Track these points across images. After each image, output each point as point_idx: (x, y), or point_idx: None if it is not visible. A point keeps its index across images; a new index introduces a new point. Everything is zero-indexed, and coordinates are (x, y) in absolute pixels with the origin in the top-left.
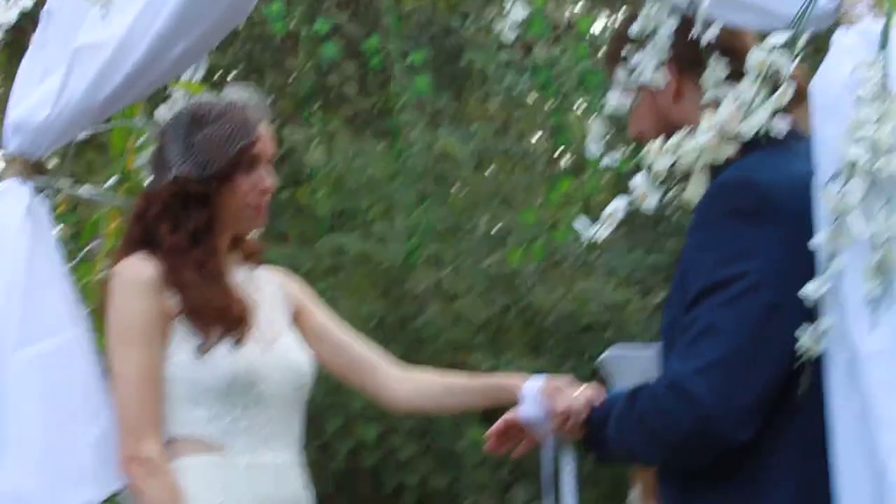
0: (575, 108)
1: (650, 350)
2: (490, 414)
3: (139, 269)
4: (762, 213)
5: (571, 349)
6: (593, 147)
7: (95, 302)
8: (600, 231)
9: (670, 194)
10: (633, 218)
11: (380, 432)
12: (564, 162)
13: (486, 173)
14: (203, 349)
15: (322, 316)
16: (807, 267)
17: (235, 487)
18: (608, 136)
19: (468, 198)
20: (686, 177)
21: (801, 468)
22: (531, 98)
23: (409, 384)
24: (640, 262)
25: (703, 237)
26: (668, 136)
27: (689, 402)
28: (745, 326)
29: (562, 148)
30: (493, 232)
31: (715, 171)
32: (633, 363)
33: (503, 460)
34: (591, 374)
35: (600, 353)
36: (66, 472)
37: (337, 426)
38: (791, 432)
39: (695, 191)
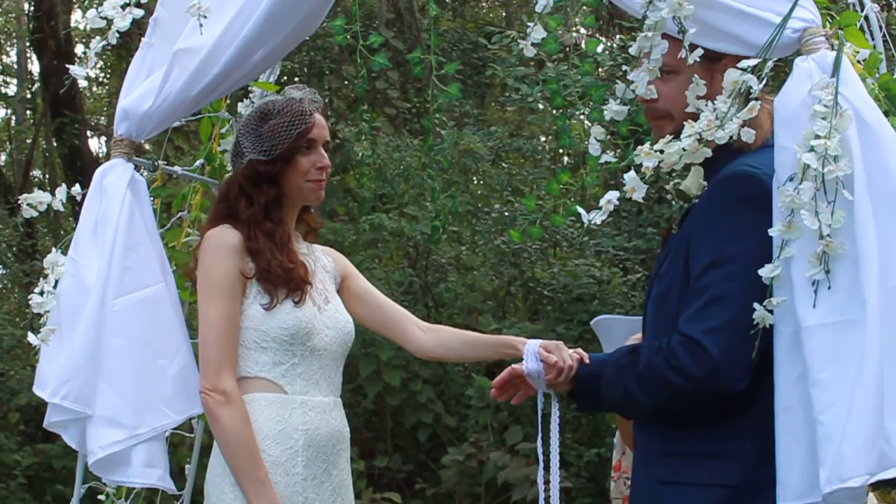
0: (579, 114)
1: (632, 319)
2: (494, 368)
3: (224, 236)
4: (762, 201)
5: (564, 315)
6: (594, 147)
7: (181, 261)
8: (597, 217)
9: (670, 185)
10: (618, 209)
11: (403, 379)
12: (566, 160)
13: (502, 167)
14: (271, 305)
15: (363, 282)
16: None
17: (292, 419)
18: (606, 139)
19: (485, 187)
20: (683, 173)
21: (766, 419)
22: (542, 106)
23: (433, 336)
24: (624, 245)
25: (712, 219)
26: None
27: (701, 356)
28: (747, 296)
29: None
30: (504, 216)
31: (707, 166)
32: (619, 327)
33: (502, 406)
34: (579, 335)
35: (588, 319)
36: (151, 400)
37: (368, 372)
38: (763, 389)
39: (693, 182)
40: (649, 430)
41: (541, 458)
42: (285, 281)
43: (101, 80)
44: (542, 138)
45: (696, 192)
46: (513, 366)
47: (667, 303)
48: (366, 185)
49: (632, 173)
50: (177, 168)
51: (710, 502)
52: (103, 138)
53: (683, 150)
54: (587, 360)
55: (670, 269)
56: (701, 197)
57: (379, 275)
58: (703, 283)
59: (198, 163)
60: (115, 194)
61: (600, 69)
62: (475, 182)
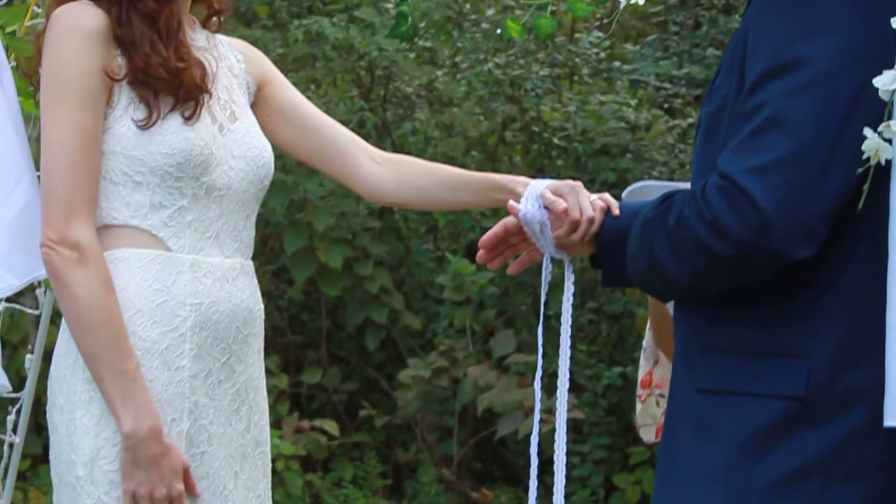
0: None
1: (684, 186)
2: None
3: (82, 17)
4: None
5: (581, 173)
6: None
7: (23, 53)
8: None
9: None
10: (665, 21)
11: (346, 258)
12: None
13: None
14: (149, 121)
15: (290, 91)
16: None
17: (176, 288)
18: None
19: None
20: None
21: (856, 302)
22: None
23: (392, 171)
24: (672, 74)
25: (775, 6)
26: None
27: (744, 205)
28: (819, 119)
29: None
30: (500, 29)
31: None
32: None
33: (488, 301)
34: None
35: (616, 180)
36: None
37: (297, 248)
38: (854, 258)
39: None
40: (688, 316)
41: (540, 361)
42: (171, 86)
43: None
44: None
45: None
46: (508, 217)
47: (718, 129)
48: None
49: None
50: None
51: (769, 419)
52: None
53: None
54: (616, 211)
55: (724, 81)
56: None
57: (316, 106)
58: (757, 100)
59: None
60: None
61: None
62: None
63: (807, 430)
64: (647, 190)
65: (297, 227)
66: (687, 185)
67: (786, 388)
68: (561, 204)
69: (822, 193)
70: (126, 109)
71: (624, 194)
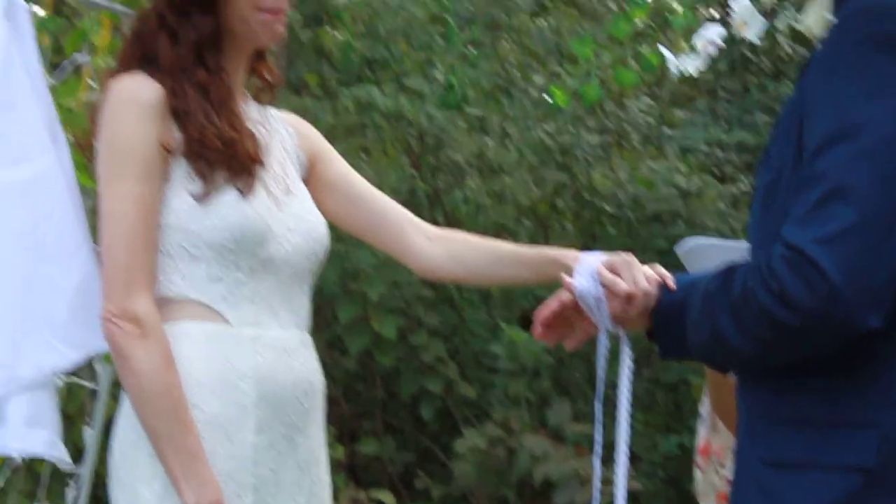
0: None
1: (736, 245)
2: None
3: (139, 89)
4: None
5: (633, 241)
6: None
7: (80, 127)
8: (691, 64)
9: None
10: (715, 87)
11: (400, 328)
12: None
13: (548, 22)
14: (205, 194)
15: (342, 166)
16: None
17: (238, 361)
18: None
19: (523, 52)
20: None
21: None
22: None
23: (444, 247)
24: (722, 140)
25: (833, 71)
26: None
27: (813, 274)
28: (881, 186)
29: None
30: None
31: None
32: (718, 255)
33: (544, 370)
34: None
35: (668, 246)
36: (33, 326)
37: (351, 318)
38: None
39: (816, 17)
40: (752, 387)
41: (598, 438)
42: (225, 158)
43: None
44: None
45: (819, 32)
46: (563, 292)
47: (775, 198)
48: (349, 44)
49: (744, 1)
50: None
51: (841, 492)
52: None
53: None
54: (672, 284)
55: (780, 151)
56: (824, 41)
57: (367, 175)
58: (818, 168)
59: None
60: None
61: None
62: (507, 44)
63: (878, 502)
64: (700, 250)
65: (350, 297)
66: (740, 244)
67: (857, 460)
68: (621, 285)
69: (888, 260)
70: (182, 183)
71: (678, 251)
